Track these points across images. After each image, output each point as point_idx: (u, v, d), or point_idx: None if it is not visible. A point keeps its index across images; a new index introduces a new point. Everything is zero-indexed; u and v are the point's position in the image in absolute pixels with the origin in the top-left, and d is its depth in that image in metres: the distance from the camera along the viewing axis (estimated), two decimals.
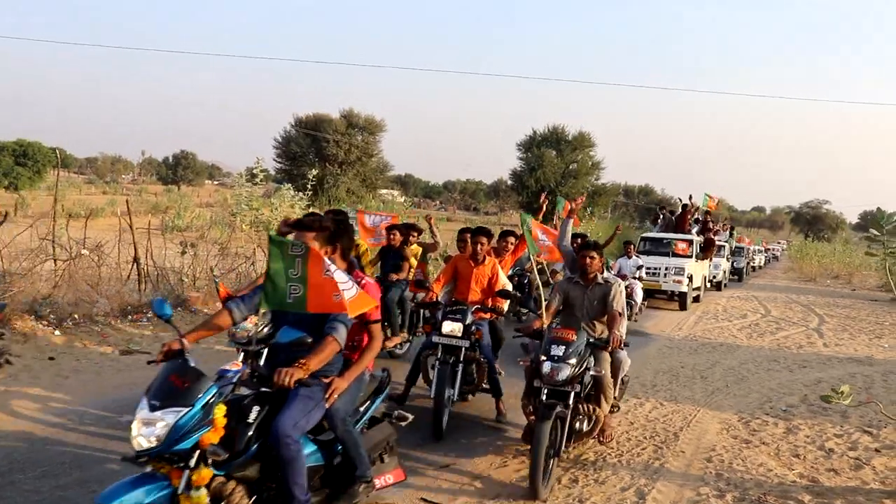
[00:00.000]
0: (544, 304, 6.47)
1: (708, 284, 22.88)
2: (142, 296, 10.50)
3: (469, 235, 7.58)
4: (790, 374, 10.28)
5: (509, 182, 58.30)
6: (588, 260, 6.12)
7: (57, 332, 8.73)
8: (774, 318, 17.41)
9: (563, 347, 5.36)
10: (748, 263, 37.06)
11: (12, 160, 49.30)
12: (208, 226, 16.09)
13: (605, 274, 6.35)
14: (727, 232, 28.74)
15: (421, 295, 8.21)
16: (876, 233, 25.25)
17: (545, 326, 5.84)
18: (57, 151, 16.53)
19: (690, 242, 19.71)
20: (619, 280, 6.45)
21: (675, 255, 18.98)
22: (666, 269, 18.25)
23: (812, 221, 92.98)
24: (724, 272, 26.31)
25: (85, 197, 45.76)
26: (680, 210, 21.97)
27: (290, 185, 21.84)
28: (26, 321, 8.75)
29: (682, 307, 18.31)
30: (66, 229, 10.88)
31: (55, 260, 10.15)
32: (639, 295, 14.61)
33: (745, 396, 8.70)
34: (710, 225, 21.49)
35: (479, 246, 7.34)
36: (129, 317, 9.74)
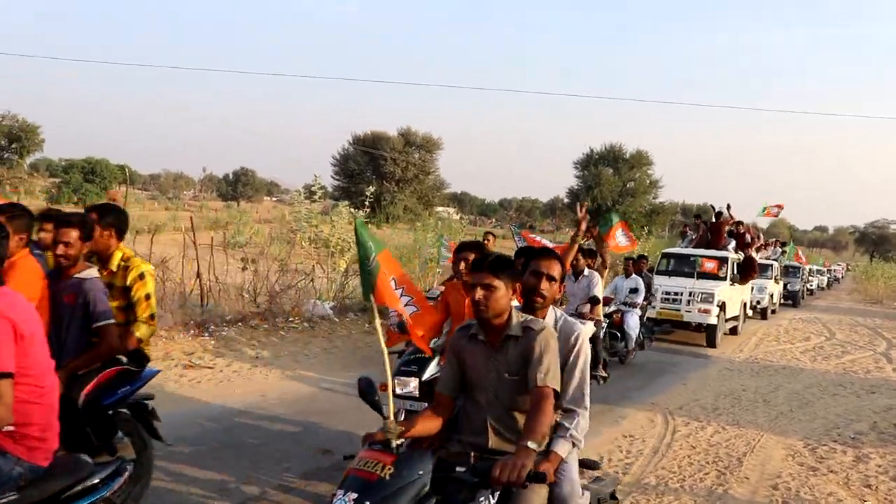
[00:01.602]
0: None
1: (749, 312, 18.81)
2: (204, 310, 10.72)
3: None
4: (858, 400, 9.96)
5: (566, 200, 58.02)
6: (480, 291, 3.06)
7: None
8: (839, 342, 16.90)
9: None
10: (804, 286, 32.66)
11: (81, 177, 50.99)
12: (268, 242, 16.37)
13: (551, 314, 3.44)
14: (776, 248, 25.85)
15: (399, 346, 6.25)
16: None
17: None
18: (125, 168, 17.01)
19: (722, 260, 15.68)
20: (572, 321, 3.46)
21: (703, 275, 15.17)
22: (690, 294, 14.34)
23: (878, 241, 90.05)
24: (772, 297, 22.22)
25: (148, 212, 46.91)
26: (714, 220, 17.82)
27: (347, 202, 22.14)
28: None
29: (711, 343, 14.33)
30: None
31: None
32: (633, 328, 11.19)
33: (811, 422, 8.46)
34: (751, 239, 18.16)
35: (463, 264, 4.84)
36: (192, 331, 9.94)
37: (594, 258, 9.51)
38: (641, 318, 11.67)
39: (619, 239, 11.49)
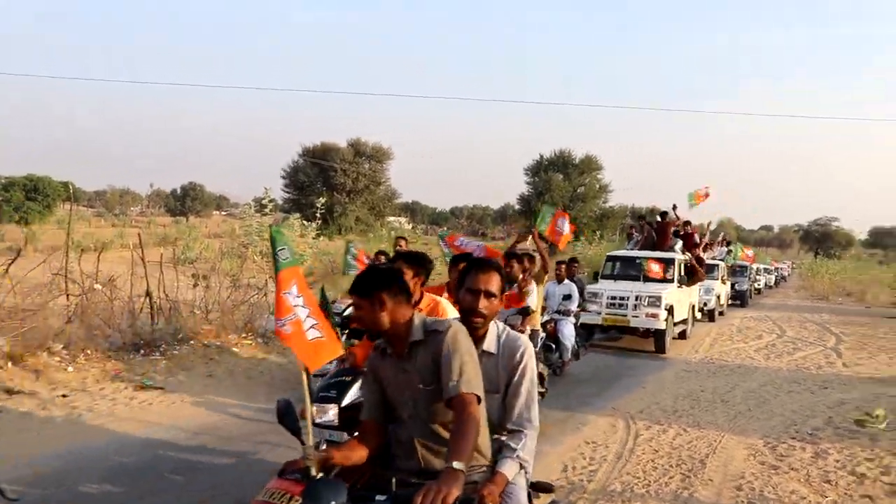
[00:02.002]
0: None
1: (698, 315, 18.28)
2: (154, 329, 10.42)
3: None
4: (812, 396, 10.11)
5: (517, 206, 58.37)
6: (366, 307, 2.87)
7: (70, 369, 8.63)
8: (790, 339, 17.21)
9: None
10: (752, 285, 32.43)
11: (23, 195, 49.56)
12: (219, 257, 16.04)
13: (493, 328, 3.20)
14: (722, 247, 24.64)
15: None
16: None
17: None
18: (69, 185, 16.56)
19: (669, 262, 15.11)
20: (515, 335, 3.20)
21: (649, 278, 14.52)
22: (636, 298, 13.71)
23: (821, 239, 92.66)
24: (719, 298, 21.65)
25: (94, 230, 45.92)
26: (659, 221, 17.25)
27: (298, 214, 21.87)
28: (39, 357, 8.66)
29: (660, 349, 13.79)
30: (78, 263, 10.83)
31: (67, 295, 10.08)
32: (569, 338, 10.24)
33: (769, 420, 8.54)
34: (698, 238, 17.61)
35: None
36: (142, 351, 9.64)
37: (531, 263, 8.67)
38: (576, 325, 10.80)
39: (561, 228, 10.55)
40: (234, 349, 10.41)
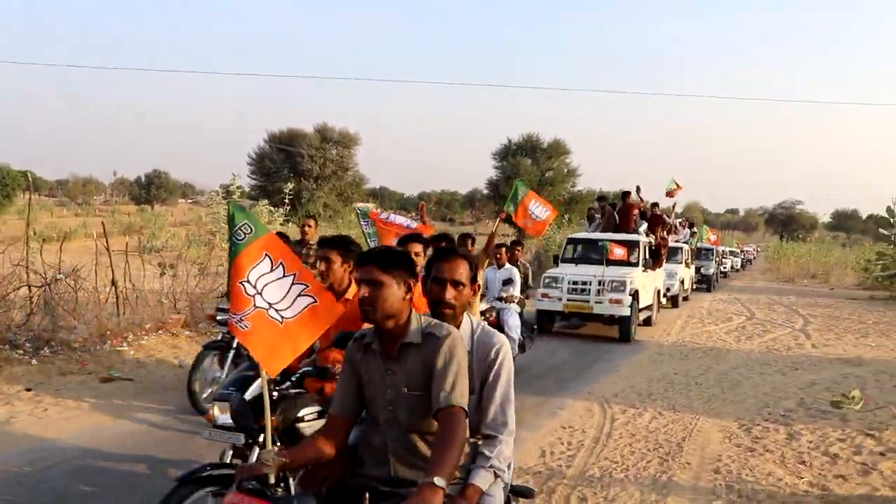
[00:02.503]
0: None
1: (663, 300, 17.77)
2: (121, 320, 10.20)
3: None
4: (783, 378, 10.19)
5: (485, 191, 58.36)
6: (364, 287, 2.71)
7: (34, 362, 8.41)
8: (760, 321, 17.38)
9: None
10: (718, 268, 31.59)
11: None
12: (186, 245, 15.78)
13: (466, 322, 3.01)
14: (685, 229, 24.13)
15: None
16: (885, 231, 25.45)
17: None
18: (28, 174, 16.17)
19: (633, 245, 14.51)
20: (491, 331, 3.02)
21: (612, 262, 13.53)
22: (599, 283, 12.99)
23: (786, 222, 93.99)
24: (683, 283, 20.53)
25: (57, 220, 45.06)
26: (621, 202, 16.51)
27: (266, 200, 21.62)
28: (1, 351, 8.43)
29: (625, 337, 13.10)
30: (39, 254, 10.56)
31: (29, 286, 9.82)
32: (514, 328, 9.12)
33: (742, 402, 8.58)
34: (662, 221, 16.75)
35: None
36: (109, 342, 9.43)
37: (468, 241, 8.28)
38: (521, 314, 9.81)
39: (534, 213, 9.22)
40: (205, 338, 10.22)
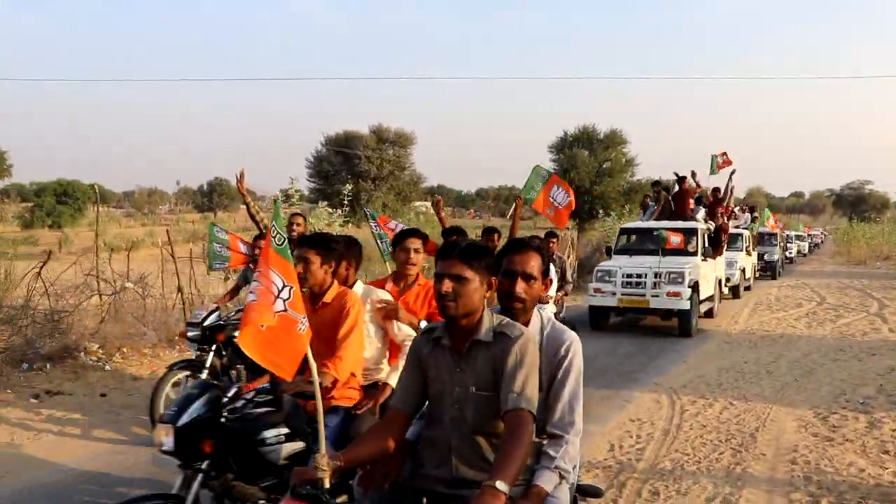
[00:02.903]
0: None
1: (725, 290, 16.68)
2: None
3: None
4: (860, 364, 9.83)
5: None
6: (448, 282, 2.64)
7: (107, 367, 8.64)
8: (832, 305, 16.84)
9: None
10: (785, 253, 30.00)
11: (54, 199, 50.32)
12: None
13: (536, 318, 2.91)
14: (744, 214, 22.81)
15: None
16: None
17: None
18: (95, 187, 16.68)
19: (690, 232, 13.60)
20: (562, 328, 2.93)
21: (669, 252, 12.64)
22: (655, 275, 12.23)
23: (855, 203, 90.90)
24: (744, 271, 19.23)
25: (125, 230, 46.36)
26: (676, 187, 15.53)
27: (325, 202, 21.85)
28: (77, 358, 8.69)
29: (685, 331, 12.23)
30: (108, 263, 10.84)
31: (100, 295, 10.12)
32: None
33: (817, 390, 8.31)
34: (722, 207, 15.81)
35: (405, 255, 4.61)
36: (177, 346, 9.63)
37: (500, 239, 7.56)
38: (558, 314, 8.77)
39: (556, 199, 8.39)
40: None
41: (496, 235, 7.51)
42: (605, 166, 51.18)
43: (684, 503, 4.87)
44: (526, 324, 2.79)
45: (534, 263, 2.80)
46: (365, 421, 3.71)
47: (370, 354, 4.03)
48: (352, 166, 52.02)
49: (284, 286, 2.86)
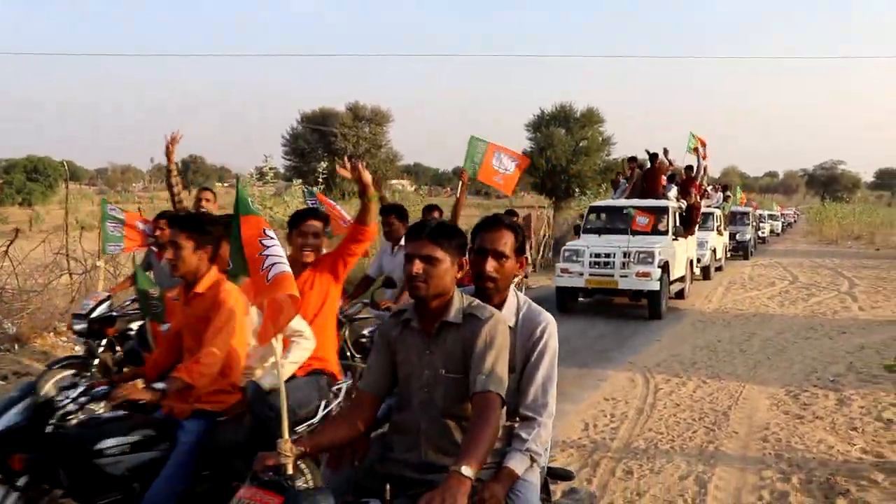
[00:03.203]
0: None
1: (696, 271, 16.06)
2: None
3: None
4: (831, 342, 9.96)
5: None
6: (418, 263, 2.73)
7: (77, 348, 8.52)
8: (804, 284, 17.03)
9: None
10: (757, 233, 29.85)
11: (24, 176, 49.49)
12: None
13: (512, 299, 2.85)
14: (718, 193, 22.43)
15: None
16: None
17: None
18: (65, 164, 16.39)
19: (662, 211, 13.18)
20: (538, 309, 2.87)
21: (639, 232, 12.16)
22: (624, 255, 11.82)
23: (827, 183, 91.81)
24: (715, 252, 18.60)
25: (97, 208, 45.74)
26: (648, 164, 15.11)
27: (300, 180, 21.65)
28: (45, 338, 8.57)
29: (655, 313, 11.86)
30: (79, 242, 10.66)
31: (70, 274, 9.95)
32: None
33: (789, 368, 8.40)
34: (696, 185, 15.05)
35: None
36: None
37: (434, 213, 7.25)
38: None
39: (501, 165, 7.76)
40: None
41: (437, 213, 7.20)
42: (581, 145, 51.12)
43: (658, 481, 4.89)
44: (501, 304, 2.76)
45: (506, 241, 2.73)
46: (230, 430, 3.33)
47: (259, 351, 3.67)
48: (328, 144, 51.61)
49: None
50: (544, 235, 21.09)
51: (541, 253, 20.19)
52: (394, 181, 56.00)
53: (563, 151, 49.39)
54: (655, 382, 7.66)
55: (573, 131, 51.39)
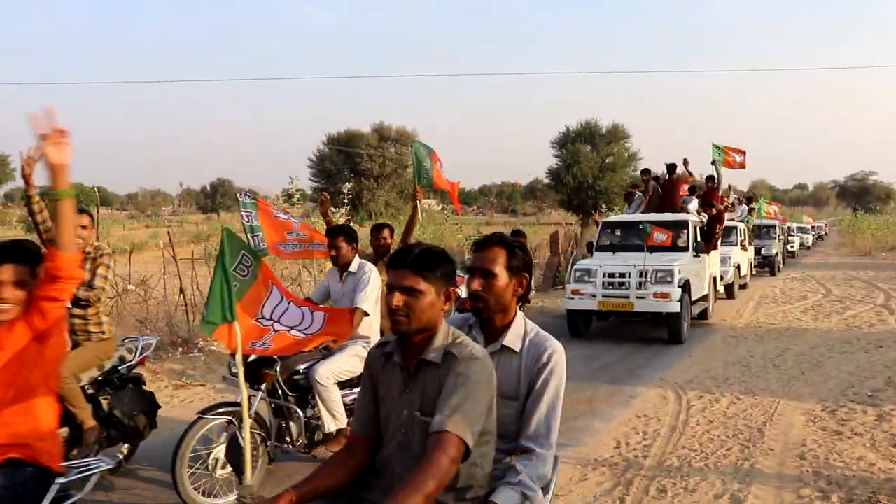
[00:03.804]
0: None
1: (720, 289, 15.21)
2: (191, 327, 10.37)
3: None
4: (867, 356, 9.75)
5: (546, 181, 57.83)
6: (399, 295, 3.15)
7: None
8: (837, 297, 16.74)
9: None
10: (786, 247, 28.47)
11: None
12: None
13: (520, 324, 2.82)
14: (743, 205, 20.71)
15: None
16: None
17: None
18: (96, 189, 16.64)
19: (680, 226, 12.23)
20: (545, 336, 2.79)
21: (656, 248, 11.32)
22: (640, 274, 10.85)
23: (859, 194, 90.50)
24: (739, 268, 17.33)
25: (128, 232, 46.43)
26: (666, 177, 14.45)
27: None
28: None
29: (675, 337, 10.88)
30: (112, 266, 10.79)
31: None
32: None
33: (824, 383, 8.23)
34: (718, 197, 14.29)
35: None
36: (180, 349, 9.59)
37: (385, 233, 6.43)
38: None
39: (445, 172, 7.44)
40: None
41: (388, 231, 6.50)
42: (607, 161, 51.05)
43: (692, 500, 4.80)
44: (505, 327, 2.67)
45: (494, 258, 2.64)
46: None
47: None
48: (354, 165, 51.96)
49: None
50: (571, 252, 20.98)
51: (569, 271, 20.05)
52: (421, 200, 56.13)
53: (589, 168, 49.32)
54: (687, 399, 7.54)
55: (599, 147, 51.32)
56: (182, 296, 10.76)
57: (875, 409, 7.03)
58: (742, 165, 15.96)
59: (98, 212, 14.06)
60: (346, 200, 17.15)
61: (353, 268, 5.45)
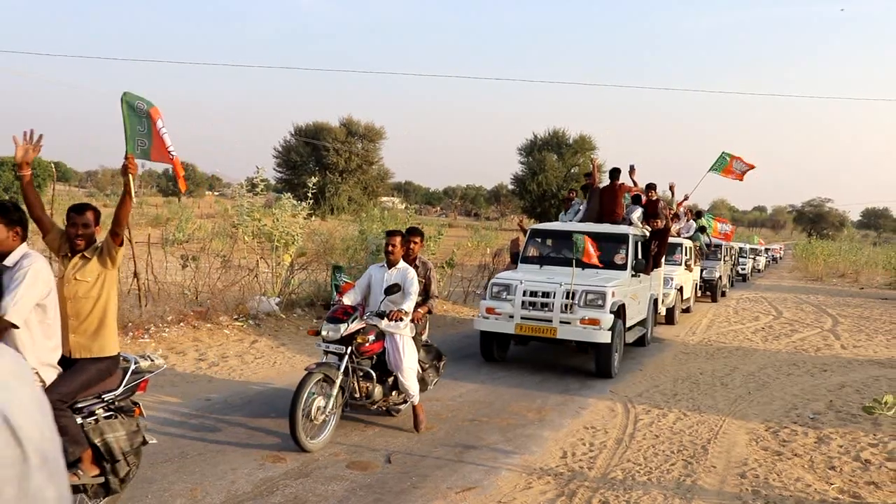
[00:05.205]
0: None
1: (662, 311, 13.85)
2: (142, 312, 10.21)
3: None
4: (812, 379, 9.98)
5: (511, 187, 58.17)
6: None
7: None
8: (788, 320, 17.10)
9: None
10: (734, 269, 26.93)
11: (12, 175, 49.16)
12: (210, 238, 15.80)
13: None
14: (690, 222, 17.58)
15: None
16: None
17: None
18: (52, 165, 16.28)
19: (619, 239, 10.62)
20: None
21: (588, 265, 9.68)
22: (567, 295, 9.19)
23: (815, 220, 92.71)
24: (681, 292, 15.67)
25: None
26: (608, 181, 12.16)
27: (290, 194, 21.58)
28: None
29: (604, 371, 9.28)
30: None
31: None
32: (407, 358, 6.47)
33: (769, 404, 8.40)
34: (661, 207, 12.31)
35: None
36: (131, 334, 9.44)
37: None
38: (419, 335, 6.88)
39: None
40: (226, 331, 10.21)
41: (91, 213, 4.71)
42: (573, 171, 51.52)
43: None
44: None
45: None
46: None
47: None
48: (320, 158, 51.71)
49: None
50: None
51: (487, 285, 20.02)
52: (384, 198, 56.01)
53: (554, 177, 49.73)
54: (636, 413, 7.64)
55: (565, 157, 51.77)
56: (136, 279, 10.59)
57: (816, 431, 7.20)
58: (740, 177, 15.40)
59: (54, 188, 13.77)
60: (309, 195, 17.03)
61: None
